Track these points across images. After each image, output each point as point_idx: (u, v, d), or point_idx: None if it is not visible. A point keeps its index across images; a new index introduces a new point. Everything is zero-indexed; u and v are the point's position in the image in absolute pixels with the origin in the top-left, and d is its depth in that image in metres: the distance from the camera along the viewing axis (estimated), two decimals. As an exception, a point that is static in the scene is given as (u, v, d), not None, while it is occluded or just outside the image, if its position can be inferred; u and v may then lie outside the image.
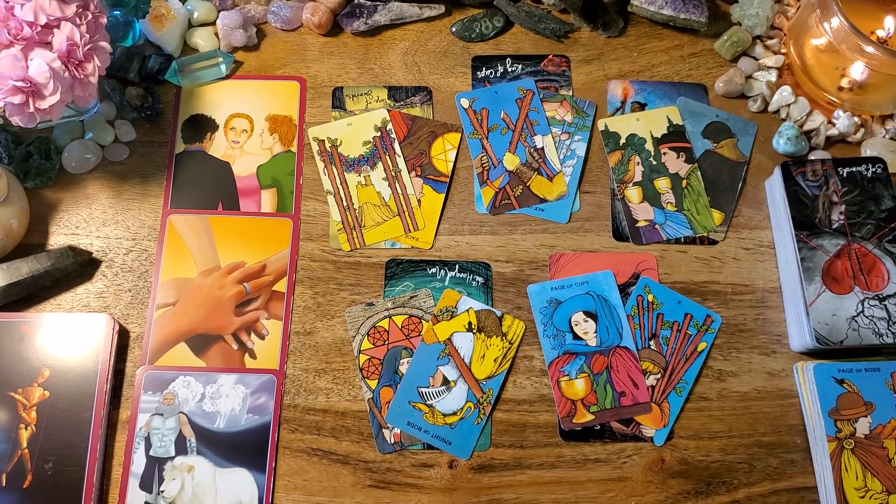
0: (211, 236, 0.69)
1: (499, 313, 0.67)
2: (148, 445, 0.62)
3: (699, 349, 0.66)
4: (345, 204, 0.71)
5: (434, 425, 0.63)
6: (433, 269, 0.69)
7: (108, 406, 0.63)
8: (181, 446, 0.62)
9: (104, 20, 0.64)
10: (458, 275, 0.68)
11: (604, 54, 0.77)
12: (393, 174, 0.72)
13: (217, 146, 0.73)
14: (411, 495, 0.62)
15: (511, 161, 0.73)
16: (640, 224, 0.70)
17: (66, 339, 0.63)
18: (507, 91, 0.75)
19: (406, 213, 0.71)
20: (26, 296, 0.66)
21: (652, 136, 0.73)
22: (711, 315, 0.67)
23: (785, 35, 0.78)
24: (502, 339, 0.66)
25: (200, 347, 0.66)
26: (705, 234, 0.70)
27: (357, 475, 0.63)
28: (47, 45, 0.61)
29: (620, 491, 0.62)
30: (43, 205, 0.70)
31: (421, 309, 0.67)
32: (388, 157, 0.72)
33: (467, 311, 0.67)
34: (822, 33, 0.71)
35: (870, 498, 0.60)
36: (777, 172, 0.69)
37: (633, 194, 0.71)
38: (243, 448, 0.62)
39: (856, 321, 0.63)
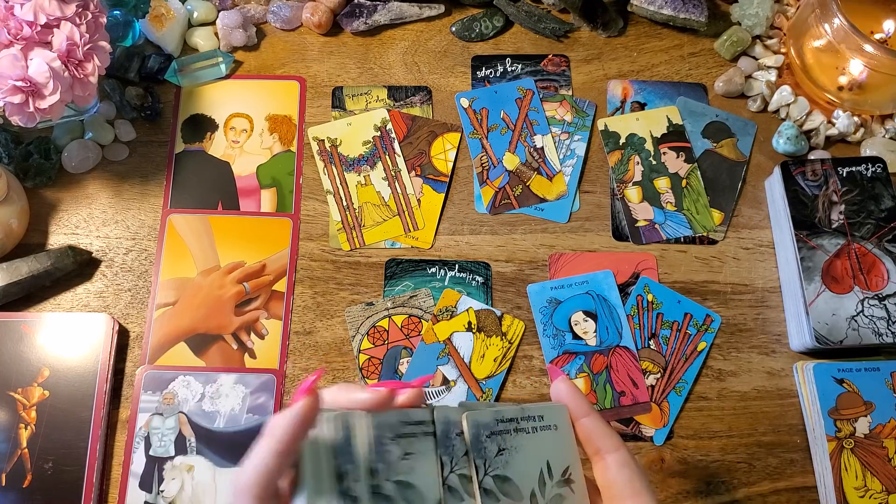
0: (211, 236, 0.69)
1: (498, 313, 0.67)
2: (148, 445, 0.62)
3: (699, 349, 0.66)
4: (344, 204, 0.71)
5: (434, 425, 0.63)
6: (433, 269, 0.69)
7: (108, 406, 0.63)
8: (181, 446, 0.62)
9: (104, 20, 0.64)
10: (457, 274, 0.68)
11: (603, 54, 0.77)
12: (393, 174, 0.72)
13: (217, 146, 0.73)
14: (411, 495, 0.62)
15: (511, 161, 0.73)
16: (639, 224, 0.71)
17: (65, 338, 0.63)
18: (506, 91, 0.75)
19: (406, 212, 0.71)
20: (26, 295, 0.66)
21: (652, 135, 0.73)
22: (711, 315, 0.67)
23: (785, 35, 0.78)
24: (502, 339, 0.66)
25: (200, 347, 0.66)
26: (705, 234, 0.70)
27: (357, 475, 0.62)
28: (47, 44, 0.61)
29: (620, 490, 0.62)
30: (43, 204, 0.70)
31: (421, 308, 0.67)
32: (387, 157, 0.73)
33: (467, 310, 0.67)
34: (822, 33, 0.71)
35: (869, 497, 0.60)
36: (777, 172, 0.69)
37: (633, 194, 0.71)
38: (243, 448, 0.62)
39: (855, 321, 0.63)
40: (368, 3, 0.77)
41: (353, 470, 0.34)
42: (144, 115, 0.73)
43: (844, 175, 0.68)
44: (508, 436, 0.39)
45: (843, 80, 0.72)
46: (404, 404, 0.37)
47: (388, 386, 0.36)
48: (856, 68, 0.71)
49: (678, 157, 0.73)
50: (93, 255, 0.68)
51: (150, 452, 0.62)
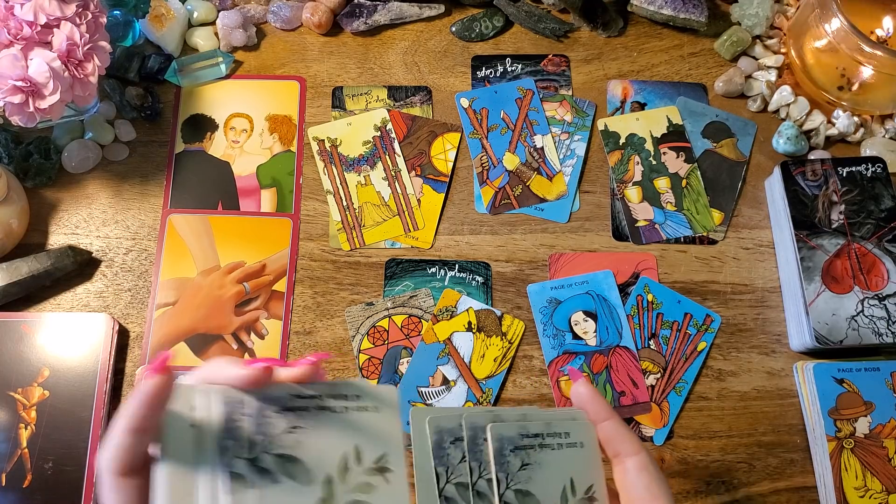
0: (211, 236, 0.69)
1: (498, 313, 0.67)
2: (148, 445, 0.62)
3: (699, 349, 0.66)
4: (344, 204, 0.71)
5: (434, 425, 0.63)
6: (433, 269, 0.69)
7: (108, 406, 0.63)
8: (181, 446, 0.62)
9: (104, 20, 0.64)
10: (457, 274, 0.68)
11: (603, 54, 0.77)
12: (393, 174, 0.72)
13: (217, 146, 0.73)
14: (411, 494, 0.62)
15: (511, 161, 0.73)
16: (639, 224, 0.71)
17: (65, 338, 0.63)
18: (506, 91, 0.75)
19: (406, 212, 0.71)
20: (26, 295, 0.66)
21: (652, 135, 0.73)
22: (711, 315, 0.67)
23: (785, 35, 0.78)
24: (502, 339, 0.66)
25: (200, 347, 0.66)
26: (705, 234, 0.70)
27: (357, 475, 0.62)
28: (47, 44, 0.61)
29: (620, 490, 0.62)
30: (43, 204, 0.70)
31: (421, 308, 0.67)
32: (387, 157, 0.73)
33: (467, 310, 0.67)
34: (822, 33, 0.71)
35: (869, 497, 0.60)
36: (777, 172, 0.69)
37: (633, 194, 0.71)
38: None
39: (855, 321, 0.63)
40: (368, 3, 0.77)
41: (230, 444, 0.33)
42: (144, 115, 0.73)
43: (844, 175, 0.68)
44: (533, 451, 0.39)
45: (844, 82, 0.72)
46: (289, 380, 0.36)
47: (269, 363, 0.35)
48: (856, 68, 0.71)
49: (678, 157, 0.73)
50: (93, 255, 0.68)
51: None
